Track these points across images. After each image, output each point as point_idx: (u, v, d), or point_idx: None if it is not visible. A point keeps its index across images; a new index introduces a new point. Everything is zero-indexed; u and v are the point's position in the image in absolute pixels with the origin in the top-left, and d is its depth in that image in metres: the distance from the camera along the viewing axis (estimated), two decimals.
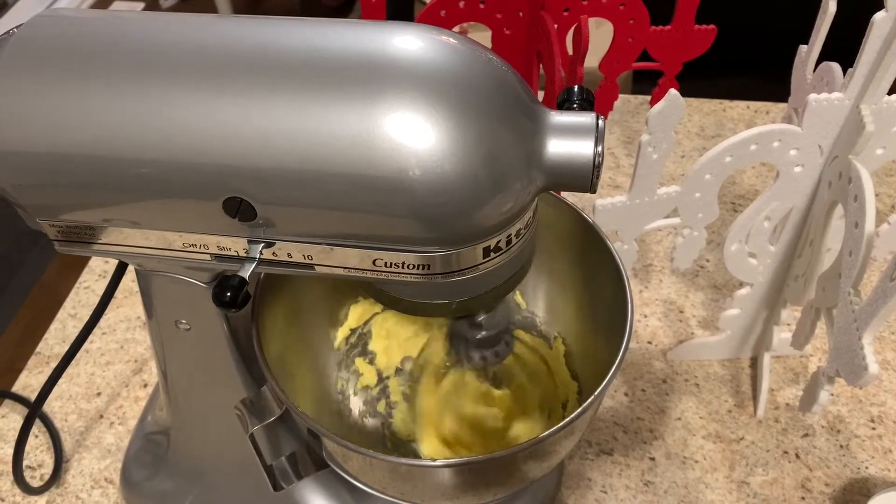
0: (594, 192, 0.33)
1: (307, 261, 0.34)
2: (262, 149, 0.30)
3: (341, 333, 0.54)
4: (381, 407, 0.54)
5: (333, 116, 0.30)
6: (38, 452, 0.60)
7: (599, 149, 0.32)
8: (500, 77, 0.32)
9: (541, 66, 0.61)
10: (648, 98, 0.90)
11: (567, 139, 0.32)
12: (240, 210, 0.31)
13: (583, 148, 0.32)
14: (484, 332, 0.42)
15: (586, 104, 0.35)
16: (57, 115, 0.31)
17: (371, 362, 0.55)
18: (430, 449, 0.52)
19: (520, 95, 0.32)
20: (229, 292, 0.33)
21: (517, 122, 0.32)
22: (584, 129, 0.32)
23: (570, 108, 0.35)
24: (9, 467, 0.58)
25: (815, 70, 0.53)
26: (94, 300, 0.71)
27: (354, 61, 0.31)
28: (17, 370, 0.66)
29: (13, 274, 0.77)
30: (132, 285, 0.71)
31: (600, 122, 0.32)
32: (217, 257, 0.35)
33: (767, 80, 0.92)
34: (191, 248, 0.35)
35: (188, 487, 0.54)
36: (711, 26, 0.62)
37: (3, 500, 0.57)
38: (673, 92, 0.42)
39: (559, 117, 0.33)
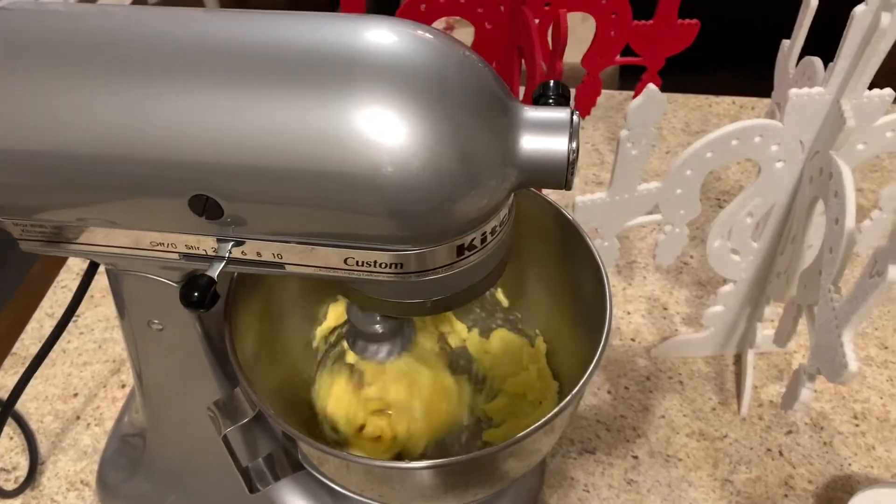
0: (569, 188, 0.32)
1: (277, 259, 0.33)
2: (228, 145, 0.29)
3: (320, 332, 0.54)
4: None
5: (303, 111, 0.29)
6: (13, 454, 0.59)
7: (574, 145, 0.31)
8: (474, 72, 0.32)
9: (522, 61, 0.60)
10: (633, 94, 0.90)
11: (541, 135, 0.32)
12: (206, 208, 0.31)
13: (557, 144, 0.31)
14: (377, 327, 0.42)
15: (562, 99, 0.35)
16: (10, 111, 0.31)
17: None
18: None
19: (494, 91, 0.32)
20: (196, 292, 0.32)
21: (491, 117, 0.31)
22: (559, 124, 0.32)
23: (545, 104, 0.34)
24: None
25: (797, 64, 0.53)
26: None
27: (326, 55, 0.30)
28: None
29: None
30: None
31: (574, 117, 0.32)
32: (185, 256, 0.34)
33: (753, 76, 0.92)
34: (158, 248, 0.34)
35: (165, 490, 0.53)
36: (694, 21, 0.62)
37: None
38: (651, 86, 0.41)
39: (533, 113, 0.32)
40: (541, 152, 0.32)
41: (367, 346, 0.43)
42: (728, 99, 0.90)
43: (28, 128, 0.30)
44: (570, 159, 0.31)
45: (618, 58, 0.63)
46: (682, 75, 0.82)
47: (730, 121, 0.88)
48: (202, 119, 0.29)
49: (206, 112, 0.29)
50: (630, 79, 0.99)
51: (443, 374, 0.51)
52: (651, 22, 0.61)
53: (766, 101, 0.90)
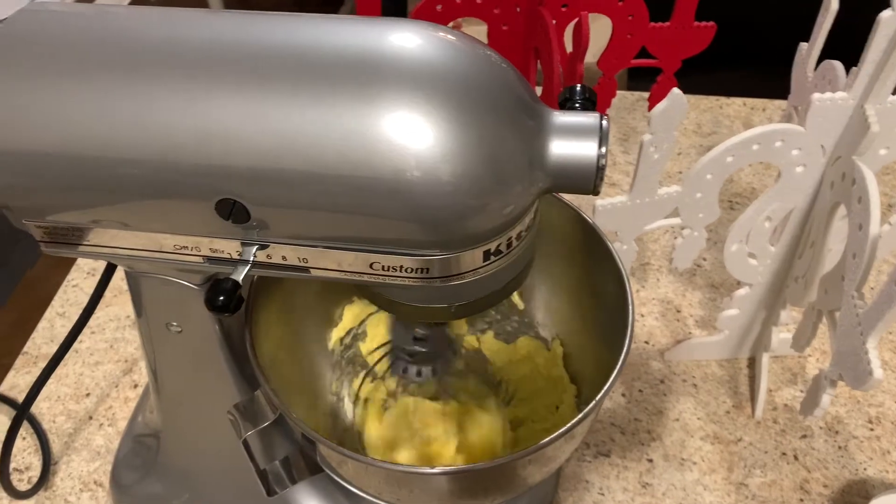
0: (597, 193, 0.32)
1: (302, 263, 0.33)
2: (257, 149, 0.29)
3: (336, 334, 0.53)
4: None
5: (330, 116, 0.29)
6: (26, 455, 0.59)
7: (603, 150, 0.31)
8: (502, 75, 0.32)
9: (538, 62, 0.60)
10: (645, 94, 0.89)
11: (570, 140, 0.31)
12: (233, 212, 0.31)
13: (586, 149, 0.31)
14: (425, 348, 0.42)
15: (589, 104, 0.35)
16: (41, 113, 0.30)
17: (365, 363, 0.54)
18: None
19: (521, 94, 0.32)
20: (222, 296, 0.32)
21: (519, 122, 0.31)
22: (588, 129, 0.31)
23: (572, 108, 0.34)
24: None
25: (815, 68, 0.53)
26: (83, 298, 0.70)
27: (351, 59, 0.30)
28: (2, 367, 0.65)
29: None
30: (122, 284, 0.69)
31: (604, 122, 0.32)
32: (209, 260, 0.34)
33: (764, 77, 0.92)
34: (182, 251, 0.34)
35: (179, 491, 0.53)
36: (711, 23, 0.62)
37: None
38: (676, 91, 0.41)
39: (562, 117, 0.32)
40: (569, 157, 0.31)
41: (409, 366, 0.43)
42: (739, 100, 0.90)
43: (58, 131, 0.30)
44: (600, 165, 0.31)
45: (634, 59, 0.62)
46: (693, 76, 0.81)
47: (741, 122, 0.88)
48: (231, 123, 0.29)
49: (235, 116, 0.29)
50: (639, 80, 0.98)
51: (482, 408, 0.51)
52: (668, 24, 0.61)
53: (778, 102, 0.90)
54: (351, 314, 0.54)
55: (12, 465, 0.57)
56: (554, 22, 0.56)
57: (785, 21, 0.86)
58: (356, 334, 0.54)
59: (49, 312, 0.69)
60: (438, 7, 0.58)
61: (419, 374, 0.44)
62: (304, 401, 0.49)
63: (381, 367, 0.54)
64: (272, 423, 0.41)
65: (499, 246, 0.33)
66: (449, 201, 0.30)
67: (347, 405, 0.53)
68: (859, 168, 0.42)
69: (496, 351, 0.55)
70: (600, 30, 0.62)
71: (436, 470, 0.39)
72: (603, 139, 0.31)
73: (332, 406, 0.52)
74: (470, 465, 0.40)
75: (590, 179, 0.31)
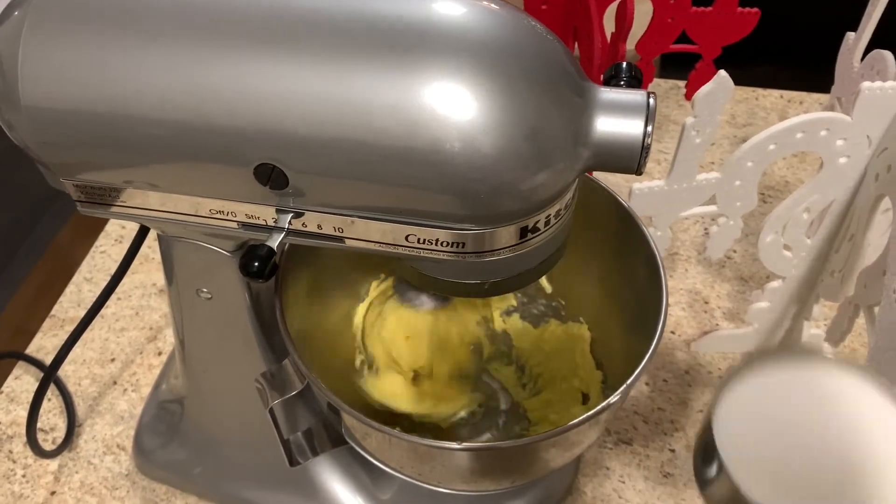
0: (640, 174, 0.32)
1: (337, 233, 0.33)
2: (299, 114, 0.29)
3: (361, 309, 0.53)
4: None
5: (375, 83, 0.28)
6: (51, 416, 0.59)
7: (650, 129, 0.30)
8: (549, 47, 0.31)
9: (576, 43, 0.59)
10: (678, 82, 0.88)
11: (616, 117, 0.31)
12: (271, 177, 0.30)
13: (632, 127, 0.30)
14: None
15: (634, 81, 0.34)
16: (85, 70, 0.30)
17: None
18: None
19: (568, 68, 0.31)
20: (257, 262, 0.32)
21: (565, 96, 0.30)
22: (635, 107, 0.31)
23: (616, 86, 0.34)
24: (21, 429, 0.57)
25: (862, 59, 0.51)
26: (110, 265, 0.71)
27: (397, 26, 0.29)
28: (29, 331, 0.66)
29: (26, 236, 0.77)
30: (148, 251, 0.70)
31: (651, 100, 0.31)
32: (244, 226, 0.34)
33: (798, 71, 0.90)
34: (217, 216, 0.34)
35: (201, 457, 0.54)
36: (755, 10, 0.60)
37: (14, 463, 0.57)
38: (722, 73, 0.40)
39: (608, 94, 0.31)
40: (615, 135, 0.31)
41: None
42: (776, 92, 0.88)
43: (102, 88, 0.30)
44: (645, 144, 0.30)
45: (673, 44, 0.61)
46: (727, 67, 0.80)
47: (777, 114, 0.86)
48: (274, 87, 0.29)
49: (279, 80, 0.29)
50: (671, 67, 0.97)
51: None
52: (710, 9, 0.60)
53: (816, 95, 0.88)
54: (377, 291, 0.53)
55: (38, 426, 0.58)
56: (595, 1, 0.55)
57: (826, 13, 0.84)
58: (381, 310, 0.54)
59: (76, 277, 0.70)
60: None
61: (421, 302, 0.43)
62: (330, 374, 0.49)
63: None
64: (297, 393, 0.41)
65: (537, 223, 0.32)
66: (488, 175, 0.29)
67: (371, 379, 0.53)
68: None
69: (522, 333, 0.55)
70: (639, 14, 0.61)
71: (459, 445, 0.38)
72: (650, 118, 0.30)
73: (356, 380, 0.52)
74: (493, 444, 0.40)
75: (634, 158, 0.31)
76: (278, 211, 0.33)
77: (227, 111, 0.29)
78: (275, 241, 0.33)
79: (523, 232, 0.32)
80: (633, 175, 0.32)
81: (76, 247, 0.73)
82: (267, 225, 0.33)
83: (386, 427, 0.38)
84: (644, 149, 0.31)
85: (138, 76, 0.30)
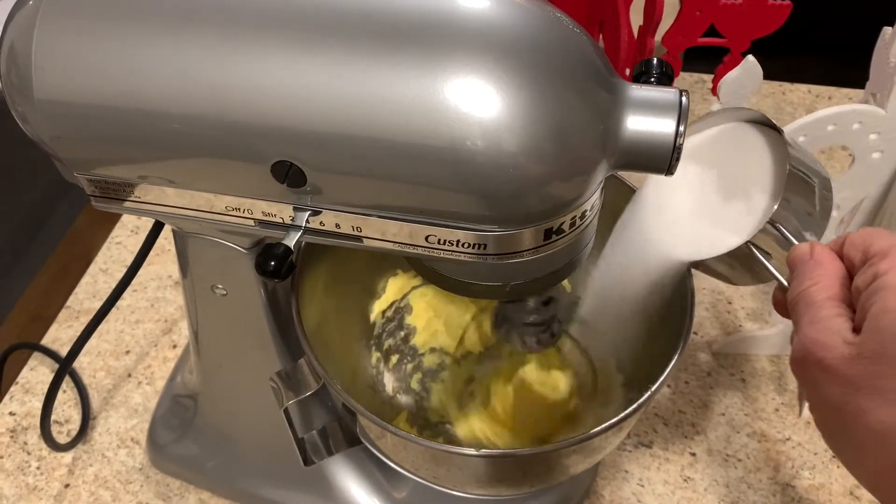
0: (671, 174, 0.30)
1: (356, 232, 0.32)
2: (318, 111, 0.28)
3: (378, 306, 0.53)
4: (414, 384, 0.53)
5: (394, 79, 0.27)
6: (66, 408, 0.59)
7: (682, 128, 0.29)
8: (577, 42, 0.30)
9: (601, 36, 0.58)
10: (704, 76, 0.86)
11: (647, 116, 0.29)
12: (289, 175, 0.29)
13: (664, 126, 0.29)
14: (533, 317, 0.40)
15: (665, 78, 0.33)
16: (100, 64, 0.29)
17: (407, 338, 0.53)
18: (465, 432, 0.50)
19: (597, 64, 0.30)
20: (273, 261, 0.31)
21: (593, 93, 0.29)
22: (667, 105, 0.29)
23: (647, 82, 0.32)
24: (36, 420, 0.57)
25: None
26: (126, 256, 0.70)
27: (419, 20, 0.28)
28: (44, 319, 0.65)
29: (42, 224, 0.77)
30: (164, 243, 0.69)
31: (683, 98, 0.30)
32: (261, 223, 0.33)
33: (828, 68, 0.88)
34: (234, 213, 0.33)
35: (214, 453, 0.53)
36: (787, 2, 0.58)
37: (29, 454, 0.56)
38: (751, 58, 0.38)
39: (639, 91, 0.30)
40: (645, 134, 0.29)
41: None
42: (803, 87, 0.86)
43: (117, 82, 0.29)
44: (677, 144, 0.29)
45: (701, 38, 0.59)
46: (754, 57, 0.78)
47: (804, 109, 0.84)
48: (292, 83, 0.28)
49: (297, 76, 0.28)
50: (694, 62, 0.95)
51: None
52: (740, 2, 0.58)
53: (844, 90, 0.86)
54: (395, 287, 0.53)
55: (52, 418, 0.58)
56: None
57: (860, 6, 0.81)
58: (398, 307, 0.53)
59: (92, 268, 0.69)
60: None
61: (539, 341, 0.42)
62: (345, 372, 0.49)
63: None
64: (312, 392, 0.40)
65: (561, 225, 0.31)
66: (511, 174, 0.28)
67: (387, 378, 0.52)
68: None
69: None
70: (665, 6, 0.59)
71: (476, 452, 0.38)
72: (682, 116, 0.29)
73: (371, 379, 0.52)
74: (511, 451, 0.39)
75: (665, 159, 0.30)
76: (295, 209, 0.32)
77: (244, 107, 0.28)
78: (292, 240, 0.32)
79: (547, 234, 0.31)
80: (667, 175, 0.30)
81: (92, 236, 0.72)
82: (284, 223, 0.32)
83: (401, 430, 0.37)
84: (675, 149, 0.29)
85: (154, 70, 0.29)
